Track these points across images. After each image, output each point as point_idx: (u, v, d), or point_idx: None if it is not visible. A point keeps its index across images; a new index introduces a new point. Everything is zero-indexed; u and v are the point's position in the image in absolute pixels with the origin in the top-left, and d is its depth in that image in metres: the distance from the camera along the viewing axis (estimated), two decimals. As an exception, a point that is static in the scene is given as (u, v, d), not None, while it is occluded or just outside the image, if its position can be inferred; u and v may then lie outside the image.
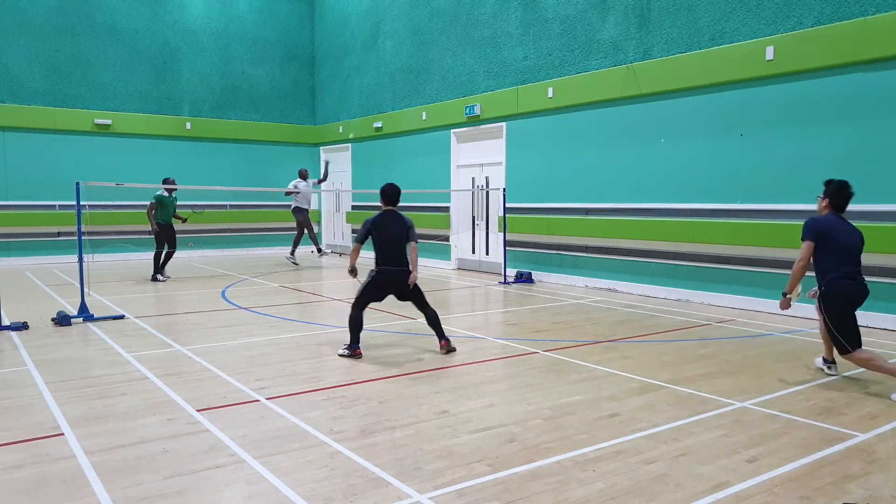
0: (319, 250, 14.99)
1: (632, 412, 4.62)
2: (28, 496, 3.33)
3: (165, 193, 11.91)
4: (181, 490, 3.38)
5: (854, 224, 5.49)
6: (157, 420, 4.44)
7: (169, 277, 12.31)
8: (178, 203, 12.74)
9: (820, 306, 5.37)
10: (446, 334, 6.55)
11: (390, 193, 6.55)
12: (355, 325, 6.29)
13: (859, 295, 5.30)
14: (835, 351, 5.56)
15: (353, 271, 6.54)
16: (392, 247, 6.36)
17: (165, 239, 12.01)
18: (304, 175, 14.94)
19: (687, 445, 4.00)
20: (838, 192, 5.44)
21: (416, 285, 6.45)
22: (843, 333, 5.23)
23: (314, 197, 19.26)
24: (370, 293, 6.41)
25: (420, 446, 3.98)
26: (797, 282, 5.41)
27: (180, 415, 4.55)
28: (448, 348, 6.43)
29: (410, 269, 6.42)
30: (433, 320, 6.50)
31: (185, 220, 12.69)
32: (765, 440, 4.08)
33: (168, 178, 12.12)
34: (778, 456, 3.83)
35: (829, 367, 5.70)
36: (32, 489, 3.40)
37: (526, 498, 3.30)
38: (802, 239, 5.37)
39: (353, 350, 6.25)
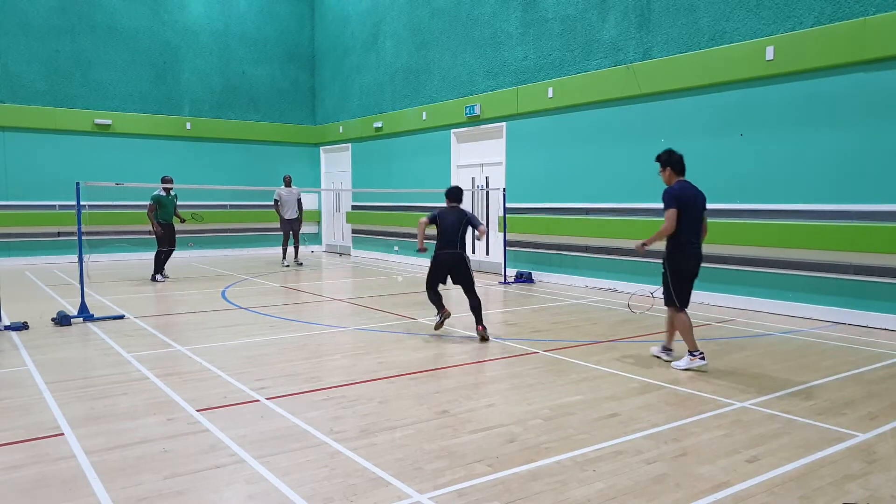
0: (284, 258, 14.94)
1: (632, 412, 4.62)
2: (28, 496, 3.33)
3: (163, 193, 11.79)
4: (181, 490, 3.38)
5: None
6: (157, 420, 4.44)
7: (168, 277, 12.29)
8: (179, 203, 12.64)
9: (665, 266, 5.96)
10: (483, 321, 7.19)
11: (451, 193, 7.59)
12: (434, 299, 7.31)
13: (698, 260, 5.90)
14: (673, 339, 6.13)
15: (422, 250, 7.54)
16: (450, 235, 7.28)
17: (167, 238, 11.96)
18: (287, 182, 14.82)
19: (687, 445, 4.00)
20: (671, 157, 6.02)
21: (467, 273, 7.24)
22: (677, 290, 5.88)
23: (314, 197, 19.28)
24: (433, 275, 7.34)
25: (420, 446, 3.98)
26: (659, 240, 5.91)
27: (180, 415, 4.55)
28: (483, 334, 7.02)
29: (478, 234, 7.28)
30: (476, 308, 7.20)
31: (183, 221, 12.59)
32: (765, 440, 4.08)
33: (166, 177, 11.96)
34: (778, 456, 3.83)
35: (667, 354, 6.12)
36: (32, 489, 3.40)
37: (526, 498, 3.30)
38: (667, 207, 5.81)
39: (441, 312, 7.17)
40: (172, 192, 12.08)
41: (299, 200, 14.73)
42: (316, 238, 19.37)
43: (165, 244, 11.95)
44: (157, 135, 16.60)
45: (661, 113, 10.00)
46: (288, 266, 14.56)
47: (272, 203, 14.98)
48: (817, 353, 6.49)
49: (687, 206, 5.80)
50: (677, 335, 6.06)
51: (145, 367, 5.82)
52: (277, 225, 15.19)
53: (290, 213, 14.55)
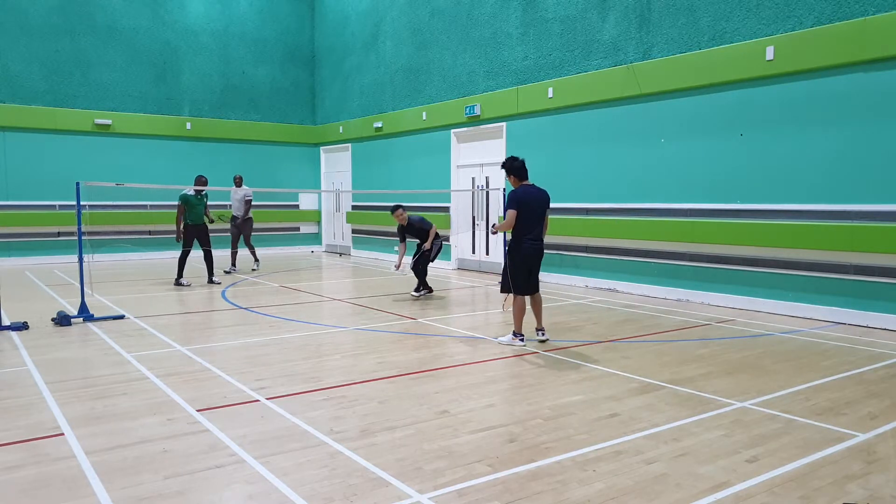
0: (232, 266, 13.42)
1: (632, 412, 4.62)
2: (28, 496, 3.33)
3: (191, 193, 11.18)
4: (181, 490, 3.38)
5: (541, 189, 6.81)
6: (157, 420, 4.44)
7: (189, 284, 11.43)
8: (210, 203, 12.07)
9: (505, 255, 6.86)
10: (428, 287, 10.17)
11: (400, 208, 10.06)
12: (419, 275, 10.08)
13: (536, 253, 6.69)
14: (543, 320, 6.99)
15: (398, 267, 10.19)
16: (420, 236, 10.02)
17: (198, 239, 11.38)
18: (237, 182, 13.60)
19: (687, 445, 4.00)
20: (513, 164, 6.76)
21: (426, 257, 10.00)
22: (515, 279, 6.70)
23: (314, 197, 19.27)
24: (424, 261, 9.99)
25: (420, 446, 3.98)
26: (506, 230, 6.74)
27: (180, 415, 4.55)
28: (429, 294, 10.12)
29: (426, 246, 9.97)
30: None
31: (212, 221, 11.86)
32: (765, 440, 4.08)
33: (201, 177, 11.47)
34: (778, 456, 3.83)
35: (541, 333, 6.82)
36: (32, 489, 3.40)
37: (526, 498, 3.30)
38: (507, 208, 6.58)
39: (426, 287, 10.11)
40: (203, 193, 11.45)
41: (248, 201, 13.35)
42: (316, 238, 19.38)
43: (191, 246, 11.34)
44: (157, 135, 16.59)
45: (661, 113, 10.00)
46: (229, 272, 13.16)
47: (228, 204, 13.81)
48: (817, 353, 6.49)
49: (527, 207, 6.56)
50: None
51: (145, 367, 5.82)
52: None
53: (235, 212, 13.52)
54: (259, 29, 18.09)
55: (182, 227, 11.27)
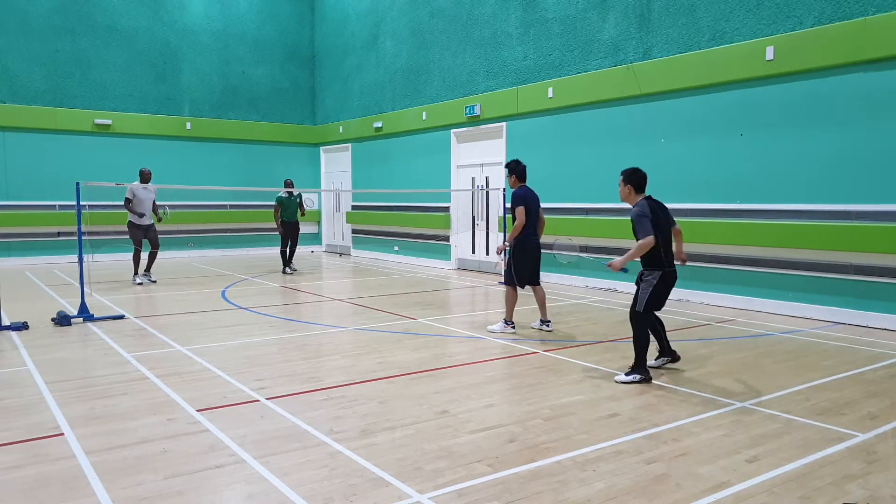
0: (136, 273, 11.73)
1: (632, 412, 4.62)
2: (28, 496, 3.33)
3: (284, 195, 13.03)
4: (181, 490, 3.38)
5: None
6: (157, 420, 4.44)
7: (296, 270, 13.68)
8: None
9: (511, 252, 7.29)
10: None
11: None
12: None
13: (537, 247, 7.33)
14: (546, 312, 7.50)
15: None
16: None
17: (290, 236, 13.29)
18: (145, 176, 11.41)
19: (687, 445, 4.00)
20: (518, 166, 7.41)
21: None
22: (520, 272, 7.26)
23: (314, 197, 19.25)
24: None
25: (420, 446, 3.98)
26: (516, 235, 7.18)
27: (180, 415, 4.55)
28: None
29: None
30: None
31: (303, 214, 13.60)
32: (765, 440, 4.08)
33: (287, 180, 13.28)
34: (778, 456, 3.83)
35: (546, 326, 7.41)
36: (32, 489, 3.40)
37: (526, 498, 3.30)
38: (516, 205, 7.13)
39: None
40: (295, 193, 13.26)
41: (155, 203, 11.64)
42: (316, 238, 19.38)
43: (285, 242, 13.33)
44: (157, 135, 16.59)
45: (661, 113, 10.00)
46: (141, 284, 11.51)
47: (123, 202, 11.26)
48: (817, 353, 6.49)
49: (531, 205, 7.17)
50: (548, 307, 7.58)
51: (145, 367, 5.82)
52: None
53: (147, 219, 11.40)
54: (259, 29, 18.09)
55: (279, 224, 13.23)
